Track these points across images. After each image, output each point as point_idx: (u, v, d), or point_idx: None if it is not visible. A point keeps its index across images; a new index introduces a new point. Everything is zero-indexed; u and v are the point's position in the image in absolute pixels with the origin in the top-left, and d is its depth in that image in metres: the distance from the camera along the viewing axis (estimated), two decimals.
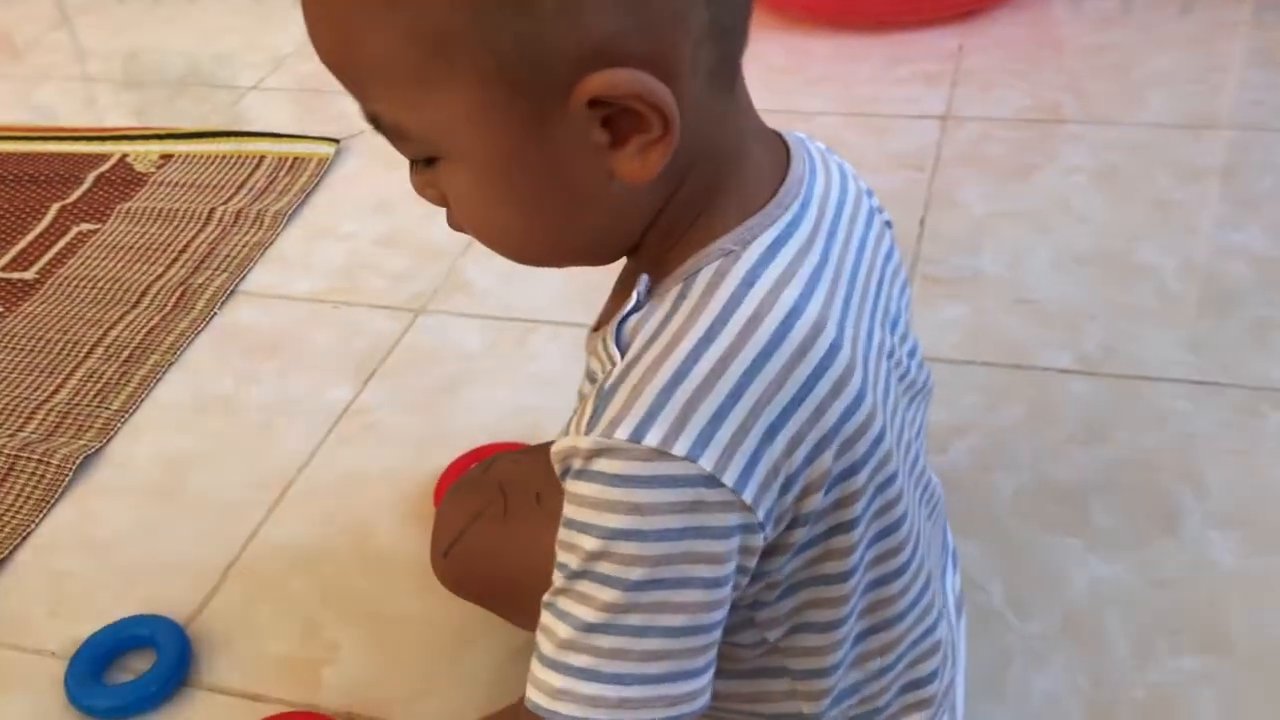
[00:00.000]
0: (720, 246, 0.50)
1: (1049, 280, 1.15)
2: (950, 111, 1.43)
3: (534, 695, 0.51)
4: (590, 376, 0.52)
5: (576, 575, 0.49)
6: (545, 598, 0.51)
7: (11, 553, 0.97)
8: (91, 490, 1.04)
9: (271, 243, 1.31)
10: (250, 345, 1.19)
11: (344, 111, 1.63)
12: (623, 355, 0.49)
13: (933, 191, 1.29)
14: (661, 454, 0.47)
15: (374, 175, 1.41)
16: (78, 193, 1.44)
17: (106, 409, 1.11)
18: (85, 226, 1.38)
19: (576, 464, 0.49)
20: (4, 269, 1.32)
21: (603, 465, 0.48)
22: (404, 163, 0.53)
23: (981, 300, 1.13)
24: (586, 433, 0.48)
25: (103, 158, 1.51)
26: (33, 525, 0.99)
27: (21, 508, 1.01)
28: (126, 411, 1.11)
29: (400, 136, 0.50)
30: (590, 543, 0.48)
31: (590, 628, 0.49)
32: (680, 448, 0.47)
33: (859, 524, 0.53)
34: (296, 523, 0.98)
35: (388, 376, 1.13)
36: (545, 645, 0.51)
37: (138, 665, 0.87)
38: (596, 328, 0.56)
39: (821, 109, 1.48)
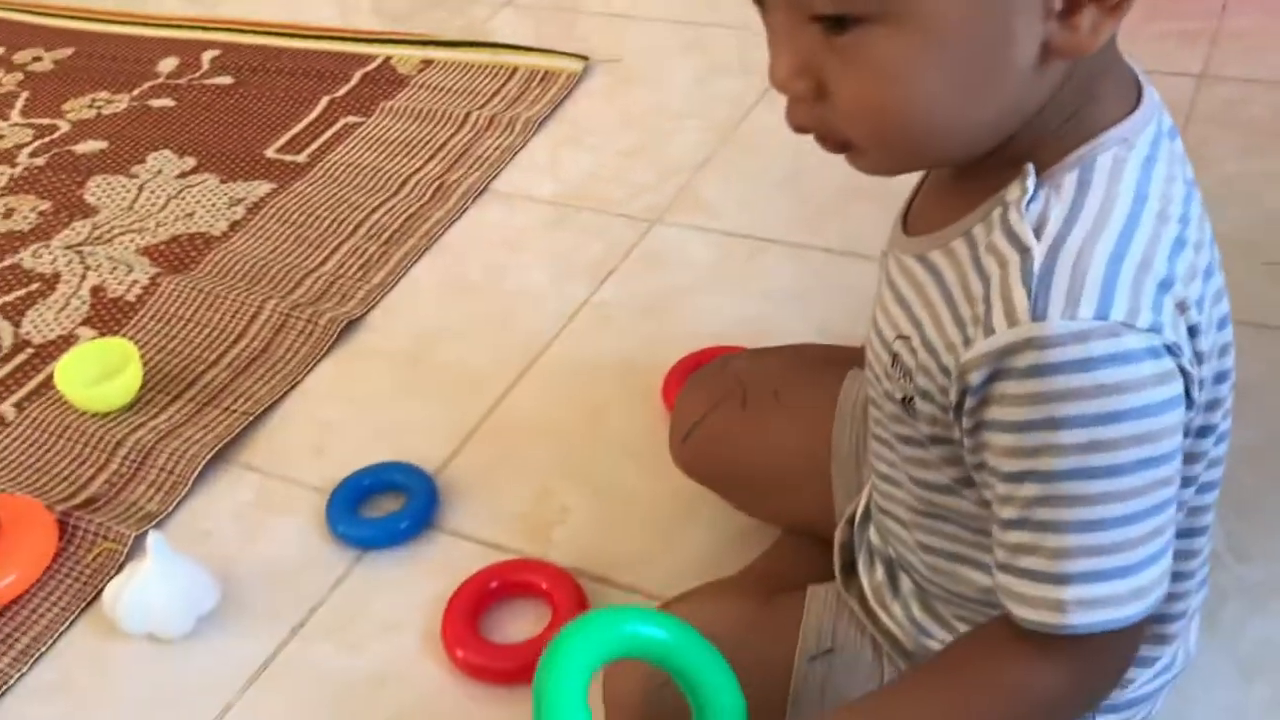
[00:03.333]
0: (1115, 135, 0.51)
1: None
2: (1206, 70, 1.39)
3: (1034, 615, 0.50)
4: (981, 274, 0.50)
5: (1057, 477, 0.48)
6: (1009, 515, 0.50)
7: (282, 398, 1.08)
8: (352, 352, 1.13)
9: (521, 148, 1.39)
10: (498, 239, 1.26)
11: (589, 32, 1.71)
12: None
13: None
14: (1129, 327, 0.47)
15: (620, 93, 1.46)
16: (345, 88, 1.55)
17: (368, 282, 1.21)
18: (351, 119, 1.48)
19: (1027, 359, 0.47)
20: (278, 151, 1.44)
21: (1070, 352, 0.47)
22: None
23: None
24: (1036, 319, 0.47)
25: (369, 58, 1.61)
26: (300, 376, 1.10)
27: (291, 360, 1.12)
28: (386, 286, 1.20)
29: None
30: (1070, 437, 0.47)
31: (1089, 526, 0.48)
32: (1144, 320, 0.47)
33: (1217, 430, 0.57)
34: (536, 398, 1.05)
35: (622, 278, 1.19)
36: (1030, 561, 0.50)
37: (389, 505, 0.96)
38: (915, 231, 0.57)
39: None
